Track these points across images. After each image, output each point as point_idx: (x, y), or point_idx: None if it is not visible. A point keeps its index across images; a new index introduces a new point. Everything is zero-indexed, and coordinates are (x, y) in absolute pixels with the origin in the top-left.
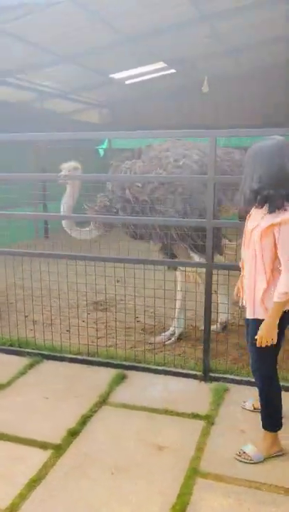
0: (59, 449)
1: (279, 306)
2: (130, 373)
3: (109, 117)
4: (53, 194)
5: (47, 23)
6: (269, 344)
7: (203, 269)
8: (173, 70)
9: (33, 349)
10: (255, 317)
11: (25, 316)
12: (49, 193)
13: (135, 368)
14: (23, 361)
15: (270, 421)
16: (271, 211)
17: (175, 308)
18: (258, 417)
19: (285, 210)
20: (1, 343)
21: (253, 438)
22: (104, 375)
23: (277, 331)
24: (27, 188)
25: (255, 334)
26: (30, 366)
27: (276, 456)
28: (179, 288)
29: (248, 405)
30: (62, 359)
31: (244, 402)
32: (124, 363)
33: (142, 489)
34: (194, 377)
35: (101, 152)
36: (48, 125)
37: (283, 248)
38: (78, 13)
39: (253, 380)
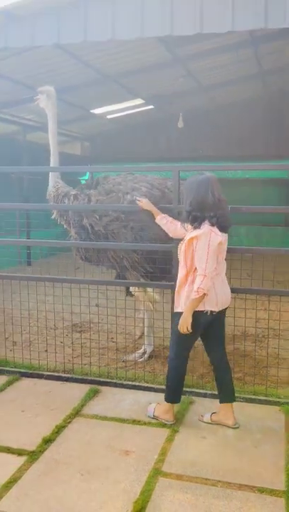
0: (33, 455)
1: (192, 301)
2: (103, 388)
3: (90, 150)
4: (35, 223)
5: (30, 63)
6: (186, 331)
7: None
8: (151, 106)
9: (11, 368)
10: (177, 311)
11: (6, 338)
12: (32, 222)
13: (108, 383)
14: (1, 379)
15: (167, 393)
16: (195, 227)
17: (144, 327)
18: (219, 426)
19: (204, 227)
20: None
21: (213, 444)
22: (79, 391)
23: (190, 320)
24: (10, 217)
25: (176, 325)
26: (9, 383)
27: (232, 454)
28: (143, 308)
29: (206, 418)
30: (39, 376)
31: (202, 415)
32: (97, 378)
33: (108, 488)
34: (162, 391)
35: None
36: (31, 156)
37: (197, 255)
38: (59, 55)
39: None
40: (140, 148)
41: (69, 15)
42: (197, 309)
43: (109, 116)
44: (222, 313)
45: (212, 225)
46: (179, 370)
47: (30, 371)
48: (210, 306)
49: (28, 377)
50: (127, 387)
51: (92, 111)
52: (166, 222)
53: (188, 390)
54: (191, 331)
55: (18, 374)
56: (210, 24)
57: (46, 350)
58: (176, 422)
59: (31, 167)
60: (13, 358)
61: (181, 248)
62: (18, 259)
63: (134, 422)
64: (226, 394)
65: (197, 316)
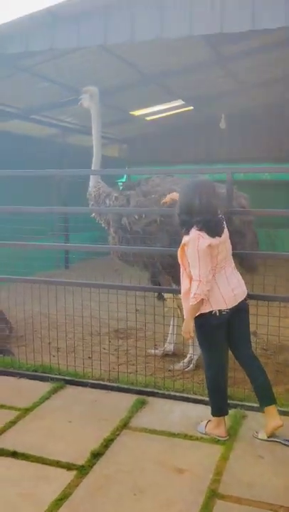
0: (83, 470)
1: (190, 307)
2: (150, 399)
3: (128, 152)
4: (73, 226)
5: (71, 65)
6: (188, 337)
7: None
8: (191, 107)
9: (56, 375)
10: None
11: (49, 343)
12: (70, 225)
13: (155, 394)
14: (46, 386)
15: (211, 406)
16: (185, 233)
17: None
18: (275, 444)
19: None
20: (26, 368)
21: (271, 464)
22: (125, 401)
23: (192, 324)
24: (49, 220)
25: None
26: (54, 391)
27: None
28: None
29: (261, 435)
30: (84, 384)
31: (256, 432)
32: (144, 389)
33: (163, 509)
34: None
35: (119, 185)
36: (71, 158)
37: (190, 261)
38: (101, 56)
39: None
40: (180, 150)
41: (116, 14)
42: (204, 311)
43: (148, 118)
44: (239, 311)
45: (200, 229)
46: (216, 380)
47: (75, 379)
48: (217, 305)
49: (73, 384)
50: (175, 399)
51: (131, 113)
52: None
53: (239, 403)
54: (193, 335)
55: (62, 381)
56: (261, 20)
57: (90, 357)
58: (230, 438)
59: (72, 170)
60: (56, 365)
61: (179, 255)
62: (56, 263)
63: (186, 436)
64: (266, 396)
65: (206, 318)
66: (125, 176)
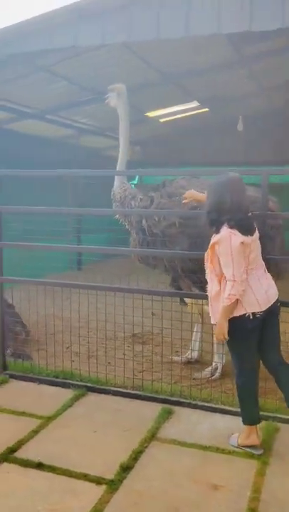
0: (113, 484)
1: (224, 308)
2: (176, 409)
3: (141, 154)
4: (88, 228)
5: (90, 64)
6: (222, 340)
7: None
8: (206, 109)
9: (77, 381)
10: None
11: (68, 347)
12: (85, 227)
13: (181, 403)
14: (68, 393)
15: (243, 415)
16: (216, 232)
17: (213, 343)
18: None
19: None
20: (46, 374)
21: None
22: (150, 410)
23: (226, 326)
24: (62, 222)
25: (229, 341)
26: (76, 399)
27: None
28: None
29: None
30: (106, 392)
31: None
32: (170, 398)
33: None
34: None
35: (132, 187)
36: (84, 160)
37: (222, 261)
38: (122, 54)
39: None
40: (194, 153)
41: (141, 11)
42: (238, 314)
43: (162, 120)
44: (272, 315)
45: (231, 227)
46: (248, 387)
47: (97, 386)
48: (250, 307)
49: (95, 392)
50: (203, 409)
51: (146, 114)
52: None
53: (271, 414)
54: (227, 338)
55: (84, 388)
56: None
57: (109, 363)
58: (265, 453)
59: (94, 170)
60: (76, 370)
61: (207, 256)
62: (69, 265)
63: (218, 450)
64: None
65: (240, 321)
66: (137, 178)
